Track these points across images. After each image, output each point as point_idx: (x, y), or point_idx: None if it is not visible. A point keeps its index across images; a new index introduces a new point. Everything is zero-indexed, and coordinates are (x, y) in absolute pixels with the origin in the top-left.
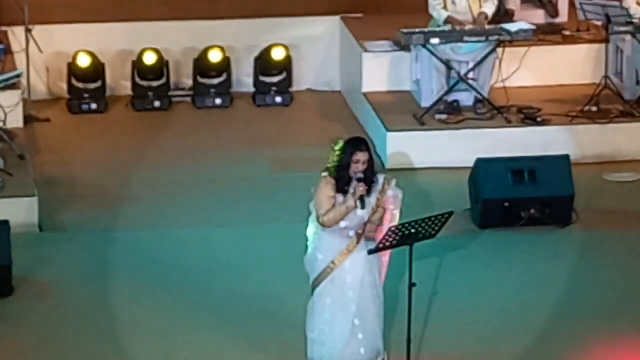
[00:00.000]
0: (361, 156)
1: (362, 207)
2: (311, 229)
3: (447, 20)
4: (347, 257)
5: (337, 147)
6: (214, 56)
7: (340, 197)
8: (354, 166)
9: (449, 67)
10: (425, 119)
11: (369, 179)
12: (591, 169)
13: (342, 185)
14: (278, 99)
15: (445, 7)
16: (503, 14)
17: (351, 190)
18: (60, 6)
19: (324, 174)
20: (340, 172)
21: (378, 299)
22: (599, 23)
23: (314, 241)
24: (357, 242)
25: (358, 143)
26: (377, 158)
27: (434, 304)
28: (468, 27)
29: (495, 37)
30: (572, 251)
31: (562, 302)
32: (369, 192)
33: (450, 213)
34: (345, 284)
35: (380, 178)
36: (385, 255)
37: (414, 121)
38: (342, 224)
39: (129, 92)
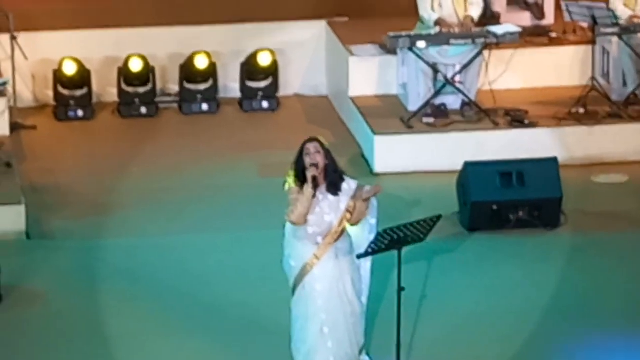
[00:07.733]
0: (310, 146)
1: (312, 187)
2: (286, 237)
3: (437, 22)
4: (316, 264)
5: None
6: (201, 62)
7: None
8: (306, 158)
9: (435, 71)
10: (413, 122)
11: (332, 181)
12: (579, 171)
13: (302, 180)
14: (265, 105)
15: (432, 10)
16: (489, 17)
17: (308, 179)
18: (45, 13)
19: (286, 187)
20: (297, 169)
21: (349, 308)
22: (585, 25)
23: (286, 248)
24: (326, 249)
25: (307, 139)
26: (365, 162)
27: (423, 308)
28: (455, 30)
29: (482, 40)
30: (561, 254)
31: (551, 305)
32: (335, 193)
33: (439, 217)
34: (315, 291)
35: (353, 184)
36: (366, 271)
37: (401, 125)
38: (310, 229)
39: (116, 98)
